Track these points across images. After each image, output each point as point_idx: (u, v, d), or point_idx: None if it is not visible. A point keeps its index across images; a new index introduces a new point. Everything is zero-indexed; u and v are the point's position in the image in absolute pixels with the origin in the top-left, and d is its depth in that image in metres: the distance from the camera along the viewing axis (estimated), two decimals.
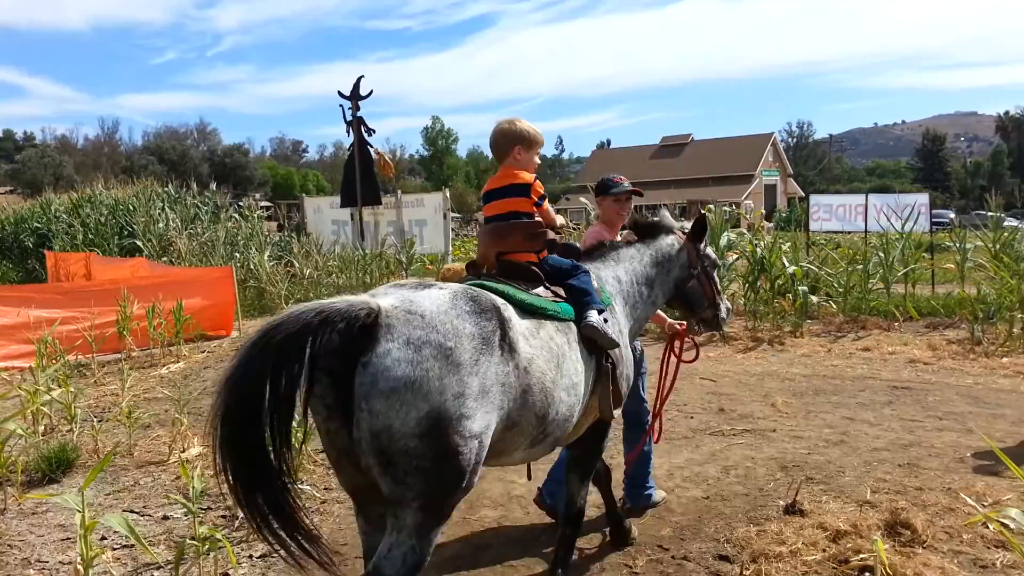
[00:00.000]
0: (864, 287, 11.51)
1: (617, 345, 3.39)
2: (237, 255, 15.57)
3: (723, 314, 4.26)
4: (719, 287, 4.34)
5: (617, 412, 3.55)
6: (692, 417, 6.74)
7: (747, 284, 11.45)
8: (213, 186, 21.97)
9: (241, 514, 2.54)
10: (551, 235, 3.53)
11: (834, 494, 4.82)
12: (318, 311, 2.44)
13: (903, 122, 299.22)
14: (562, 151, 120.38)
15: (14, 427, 5.12)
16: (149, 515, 4.80)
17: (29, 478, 5.34)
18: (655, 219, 4.29)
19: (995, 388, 7.58)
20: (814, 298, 11.16)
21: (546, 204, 3.57)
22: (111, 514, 4.05)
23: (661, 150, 66.61)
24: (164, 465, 5.65)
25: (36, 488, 5.17)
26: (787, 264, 11.31)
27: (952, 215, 35.63)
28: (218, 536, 3.75)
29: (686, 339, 4.61)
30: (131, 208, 18.92)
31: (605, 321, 3.31)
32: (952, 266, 12.91)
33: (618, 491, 4.57)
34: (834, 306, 11.36)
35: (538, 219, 3.51)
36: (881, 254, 12.00)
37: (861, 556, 3.85)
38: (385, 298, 2.65)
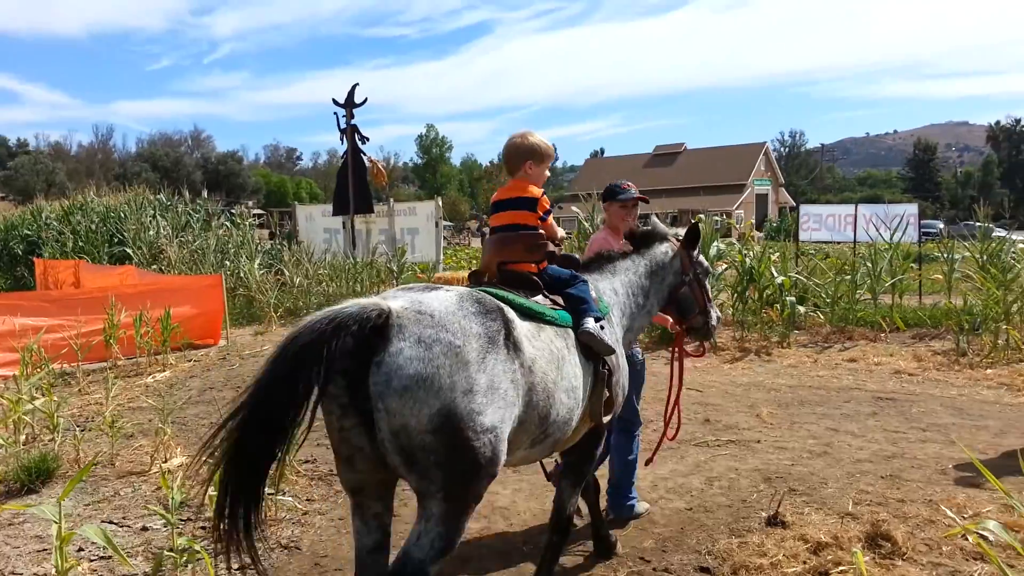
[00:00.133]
0: (851, 298, 11.57)
1: (613, 351, 3.50)
2: (227, 263, 15.55)
3: (713, 321, 4.34)
4: (710, 295, 4.41)
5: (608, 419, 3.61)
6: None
7: (735, 294, 11.47)
8: (205, 193, 21.95)
9: (222, 521, 2.58)
10: (551, 247, 3.62)
11: (816, 506, 4.82)
12: (331, 318, 2.54)
13: (895, 132, 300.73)
14: (556, 159, 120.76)
15: None
16: (128, 526, 4.77)
17: (8, 488, 5.29)
18: (649, 228, 4.38)
19: (979, 400, 7.61)
20: (802, 308, 11.19)
21: (550, 219, 3.69)
22: (88, 525, 4.02)
23: (654, 159, 66.88)
24: (146, 475, 5.61)
25: (14, 498, 5.12)
26: (775, 274, 11.34)
27: (941, 225, 35.80)
28: (196, 547, 3.74)
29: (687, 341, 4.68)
30: (122, 215, 18.86)
31: (602, 328, 3.42)
32: (940, 277, 12.97)
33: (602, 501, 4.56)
34: (821, 316, 11.39)
35: (540, 231, 3.62)
36: (869, 264, 12.06)
37: (841, 568, 3.86)
38: (395, 300, 2.76)
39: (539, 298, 3.37)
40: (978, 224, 12.64)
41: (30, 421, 6.29)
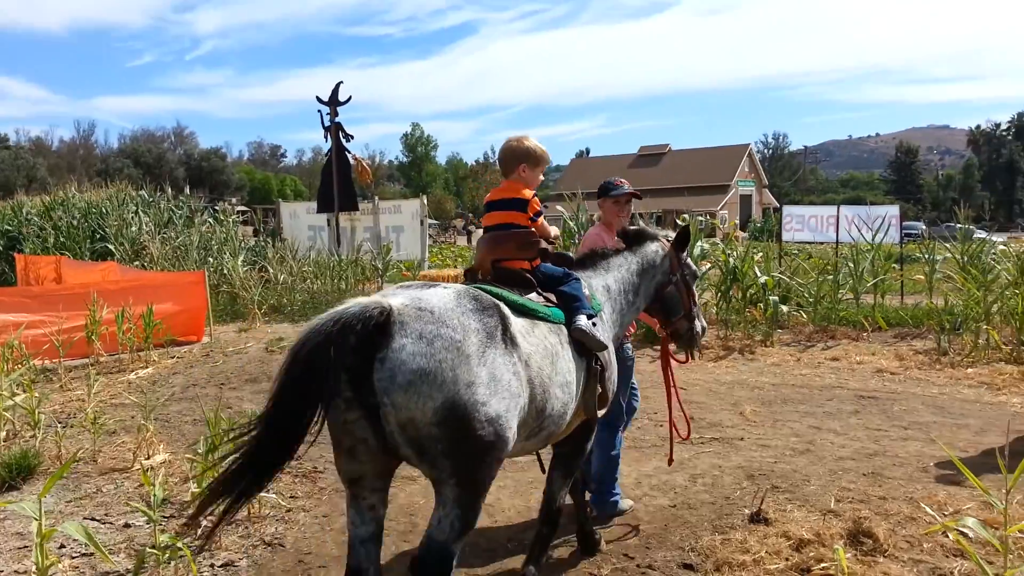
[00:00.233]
0: (834, 297, 11.66)
1: (605, 348, 3.60)
2: (211, 260, 15.44)
3: (698, 330, 4.39)
4: (696, 299, 4.47)
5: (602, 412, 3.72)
6: (662, 425, 6.75)
7: (719, 293, 11.53)
8: (187, 190, 21.79)
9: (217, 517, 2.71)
10: (544, 244, 3.70)
11: (799, 503, 4.86)
12: (335, 319, 2.64)
13: (877, 135, 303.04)
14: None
15: None
16: (110, 523, 4.73)
17: None
18: (641, 227, 4.50)
19: (959, 398, 7.69)
20: (785, 308, 11.27)
21: (541, 219, 3.77)
22: (70, 521, 3.98)
23: (639, 159, 67.01)
24: (128, 472, 5.57)
25: None
26: (759, 274, 11.41)
27: (923, 227, 36.11)
28: (179, 544, 3.71)
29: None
30: (104, 211, 18.69)
31: (594, 325, 3.51)
32: (921, 277, 13.10)
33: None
34: (804, 316, 11.48)
35: (532, 230, 3.70)
36: (851, 264, 12.16)
37: (823, 565, 3.90)
38: (395, 297, 2.84)
39: (533, 295, 3.45)
40: (959, 226, 12.75)
41: (11, 417, 6.23)
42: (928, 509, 4.48)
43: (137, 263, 15.58)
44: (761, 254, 12.81)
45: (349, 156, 16.61)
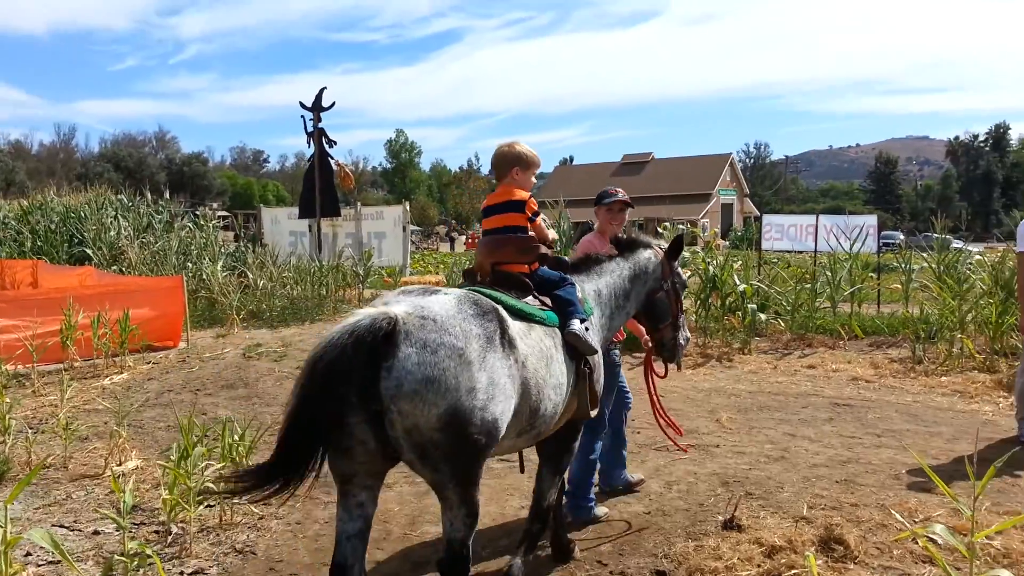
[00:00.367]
0: (811, 306, 11.75)
1: (596, 352, 3.75)
2: (190, 265, 15.32)
3: (682, 341, 4.51)
4: (683, 309, 4.57)
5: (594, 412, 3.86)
6: (639, 432, 6.78)
7: (699, 301, 11.59)
8: (168, 195, 21.62)
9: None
10: (543, 249, 3.83)
11: (772, 510, 4.88)
12: (349, 332, 2.75)
13: (857, 145, 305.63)
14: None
15: None
16: (79, 530, 4.68)
17: None
18: (635, 235, 4.62)
19: (933, 406, 7.76)
20: (763, 316, 11.34)
21: (539, 220, 3.88)
22: (36, 528, 3.93)
23: (622, 167, 67.36)
24: (99, 479, 5.51)
25: None
26: (738, 282, 11.48)
27: (901, 236, 36.45)
28: (148, 552, 3.67)
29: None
30: (82, 216, 18.50)
31: (587, 329, 3.63)
32: (898, 286, 13.21)
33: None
34: (782, 324, 11.55)
35: (531, 234, 3.82)
36: (829, 273, 12.25)
37: (794, 572, 3.92)
38: (398, 305, 2.96)
39: (529, 299, 3.57)
40: (936, 236, 12.90)
41: None
42: (899, 516, 4.51)
43: (115, 268, 15.43)
44: (741, 262, 12.91)
45: (332, 162, 16.60)
